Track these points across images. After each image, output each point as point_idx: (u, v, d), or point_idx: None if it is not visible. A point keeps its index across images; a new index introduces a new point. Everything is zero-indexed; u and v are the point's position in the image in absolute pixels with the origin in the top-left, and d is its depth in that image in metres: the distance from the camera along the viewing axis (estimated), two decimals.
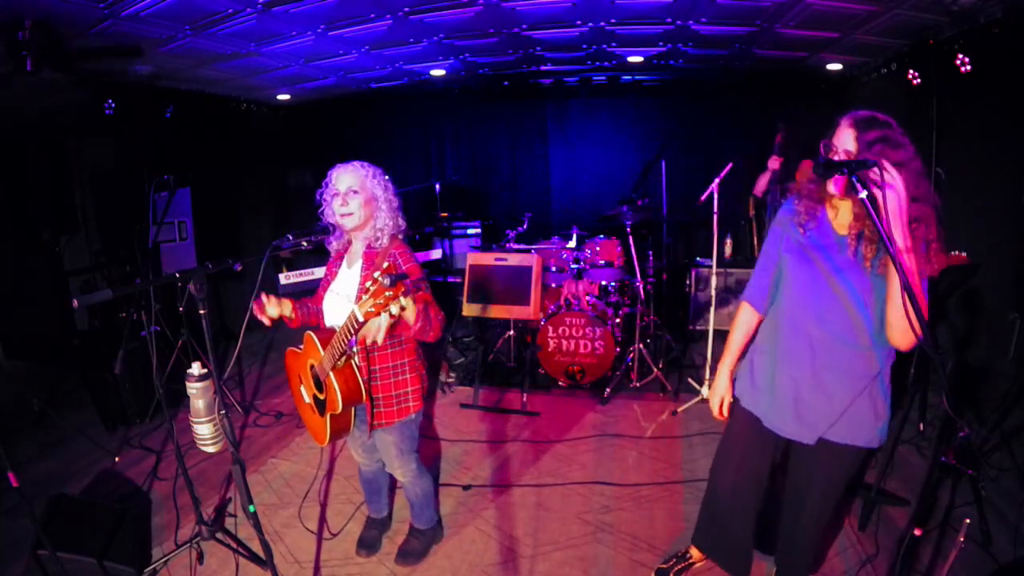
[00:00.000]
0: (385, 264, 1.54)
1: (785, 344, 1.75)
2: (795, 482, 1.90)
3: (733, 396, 1.95)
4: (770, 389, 1.79)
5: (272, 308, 2.11)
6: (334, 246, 2.15)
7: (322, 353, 1.90)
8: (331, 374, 1.87)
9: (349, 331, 1.72)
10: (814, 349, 1.68)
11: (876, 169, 1.40)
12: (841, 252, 1.63)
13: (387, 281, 1.51)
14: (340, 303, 2.04)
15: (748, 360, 1.91)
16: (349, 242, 2.13)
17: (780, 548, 2.05)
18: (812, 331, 1.68)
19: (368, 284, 1.55)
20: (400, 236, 2.08)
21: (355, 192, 1.98)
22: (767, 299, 1.85)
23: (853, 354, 1.63)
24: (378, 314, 1.57)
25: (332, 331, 1.97)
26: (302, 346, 2.07)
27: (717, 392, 1.96)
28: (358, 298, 1.96)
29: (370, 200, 2.00)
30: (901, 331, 1.48)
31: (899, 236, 1.44)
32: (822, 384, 1.68)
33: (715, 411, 1.97)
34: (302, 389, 2.16)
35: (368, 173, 2.02)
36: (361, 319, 1.61)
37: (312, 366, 2.01)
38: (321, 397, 1.99)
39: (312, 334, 1.96)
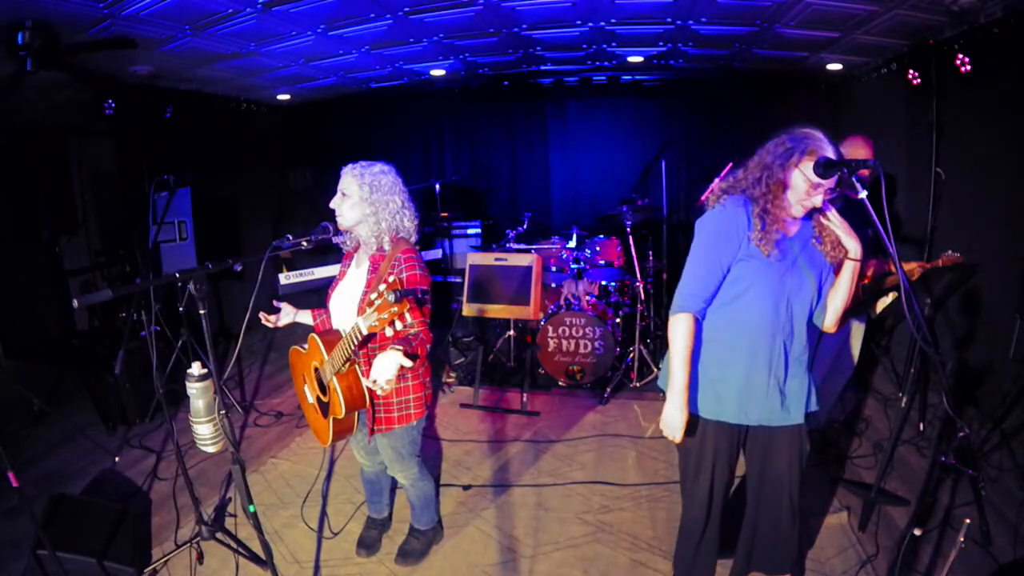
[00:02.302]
0: (391, 279, 1.54)
1: (761, 344, 1.74)
2: (767, 471, 1.88)
3: (691, 414, 1.78)
4: (743, 396, 1.78)
5: (285, 318, 2.18)
6: (347, 244, 2.13)
7: (326, 356, 1.89)
8: (334, 379, 1.86)
9: (353, 341, 1.72)
10: (790, 340, 1.76)
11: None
12: (804, 248, 1.75)
13: (392, 297, 1.51)
14: (346, 303, 2.03)
15: (704, 380, 1.81)
16: (358, 242, 2.11)
17: (759, 542, 1.99)
18: (789, 323, 1.74)
19: (373, 297, 1.55)
20: (409, 238, 2.02)
21: (344, 195, 1.96)
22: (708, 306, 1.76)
23: (808, 334, 1.80)
24: (381, 328, 1.57)
25: (336, 333, 1.97)
26: (306, 346, 2.07)
27: (680, 421, 1.72)
28: (361, 301, 1.95)
29: (360, 202, 1.94)
30: (834, 320, 1.80)
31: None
32: (799, 369, 1.79)
33: (679, 439, 1.75)
34: (306, 389, 2.15)
35: (362, 174, 1.95)
36: (364, 332, 1.62)
37: (316, 368, 2.01)
38: (324, 399, 1.99)
39: (316, 336, 1.95)
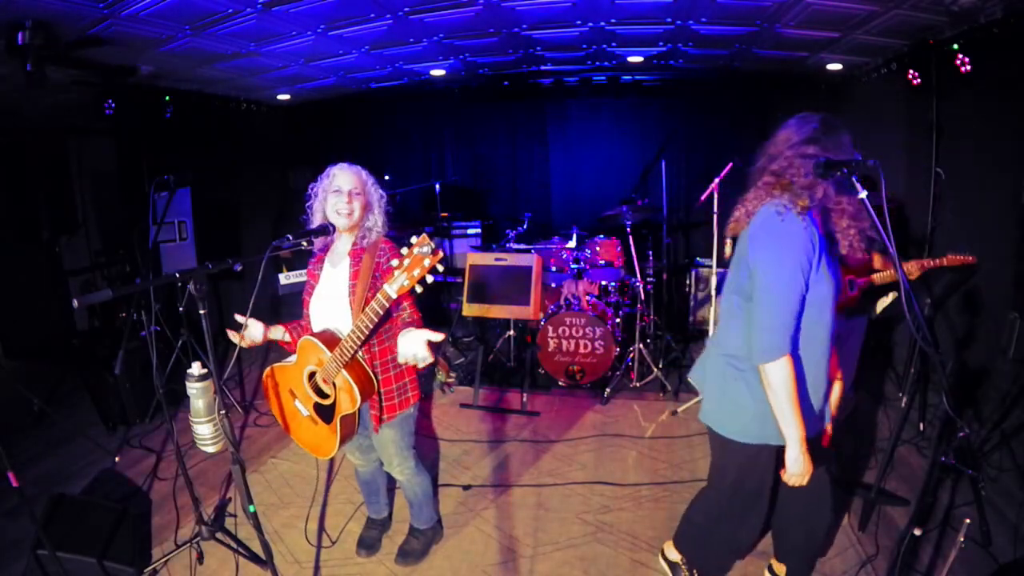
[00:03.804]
0: (414, 239, 1.58)
1: (820, 366, 1.72)
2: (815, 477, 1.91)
3: (757, 445, 1.75)
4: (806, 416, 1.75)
5: (257, 333, 2.06)
6: (317, 245, 2.16)
7: (327, 354, 1.87)
8: (343, 371, 1.85)
9: (375, 315, 1.71)
10: (828, 356, 1.76)
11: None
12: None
13: (426, 249, 1.54)
14: (329, 304, 2.03)
15: (766, 408, 1.73)
16: (331, 243, 2.13)
17: (796, 543, 2.05)
18: (829, 340, 1.72)
19: (395, 263, 1.59)
20: (383, 234, 2.11)
21: (358, 194, 2.02)
22: None
23: None
24: (412, 286, 1.59)
25: (328, 332, 1.97)
26: (293, 358, 2.05)
27: (808, 465, 1.68)
28: (351, 294, 1.96)
29: (367, 204, 2.07)
30: None
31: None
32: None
33: (807, 481, 1.72)
34: (296, 404, 2.08)
35: (370, 180, 2.09)
36: (394, 296, 1.63)
37: (312, 373, 1.98)
38: (326, 403, 1.96)
39: (310, 337, 1.93)
